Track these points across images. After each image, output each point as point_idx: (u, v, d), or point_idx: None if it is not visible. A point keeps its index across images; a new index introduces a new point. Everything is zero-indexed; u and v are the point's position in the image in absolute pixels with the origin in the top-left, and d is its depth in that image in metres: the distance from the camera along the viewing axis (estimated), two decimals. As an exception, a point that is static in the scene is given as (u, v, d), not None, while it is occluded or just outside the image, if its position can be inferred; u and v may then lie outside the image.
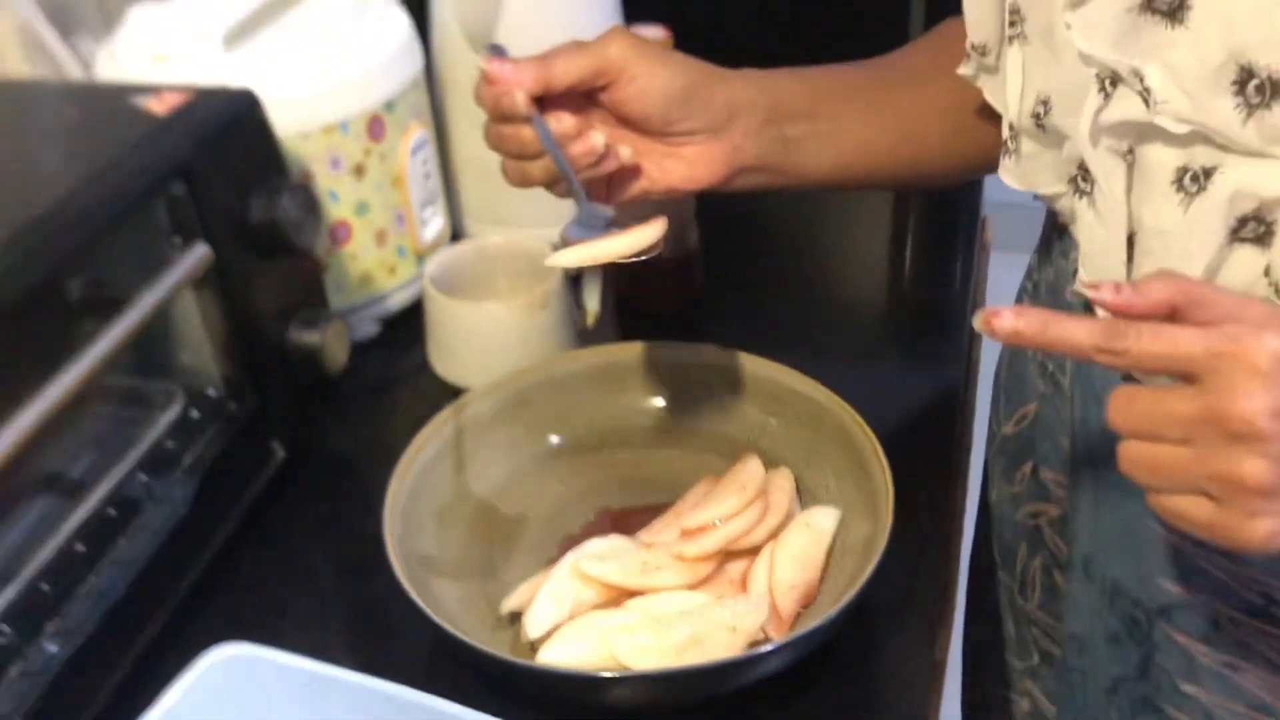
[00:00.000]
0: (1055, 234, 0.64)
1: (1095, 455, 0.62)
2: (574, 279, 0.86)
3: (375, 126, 0.81)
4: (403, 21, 0.85)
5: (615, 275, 0.87)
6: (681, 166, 0.64)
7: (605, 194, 0.64)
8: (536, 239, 0.84)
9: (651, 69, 0.61)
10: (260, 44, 0.80)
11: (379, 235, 0.84)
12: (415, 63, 0.85)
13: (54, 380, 0.53)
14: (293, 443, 0.74)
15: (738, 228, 0.98)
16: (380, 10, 0.84)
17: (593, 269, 0.84)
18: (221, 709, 0.51)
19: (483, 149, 0.81)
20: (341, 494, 0.76)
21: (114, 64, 0.79)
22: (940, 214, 1.04)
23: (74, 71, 0.83)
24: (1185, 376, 0.43)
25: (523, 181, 0.63)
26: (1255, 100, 0.47)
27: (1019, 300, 0.74)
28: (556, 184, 0.62)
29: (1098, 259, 0.56)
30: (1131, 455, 0.45)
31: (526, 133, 0.60)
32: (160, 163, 0.62)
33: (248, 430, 0.70)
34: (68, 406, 0.55)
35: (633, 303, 0.89)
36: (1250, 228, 0.49)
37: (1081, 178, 0.56)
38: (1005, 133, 0.62)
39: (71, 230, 0.56)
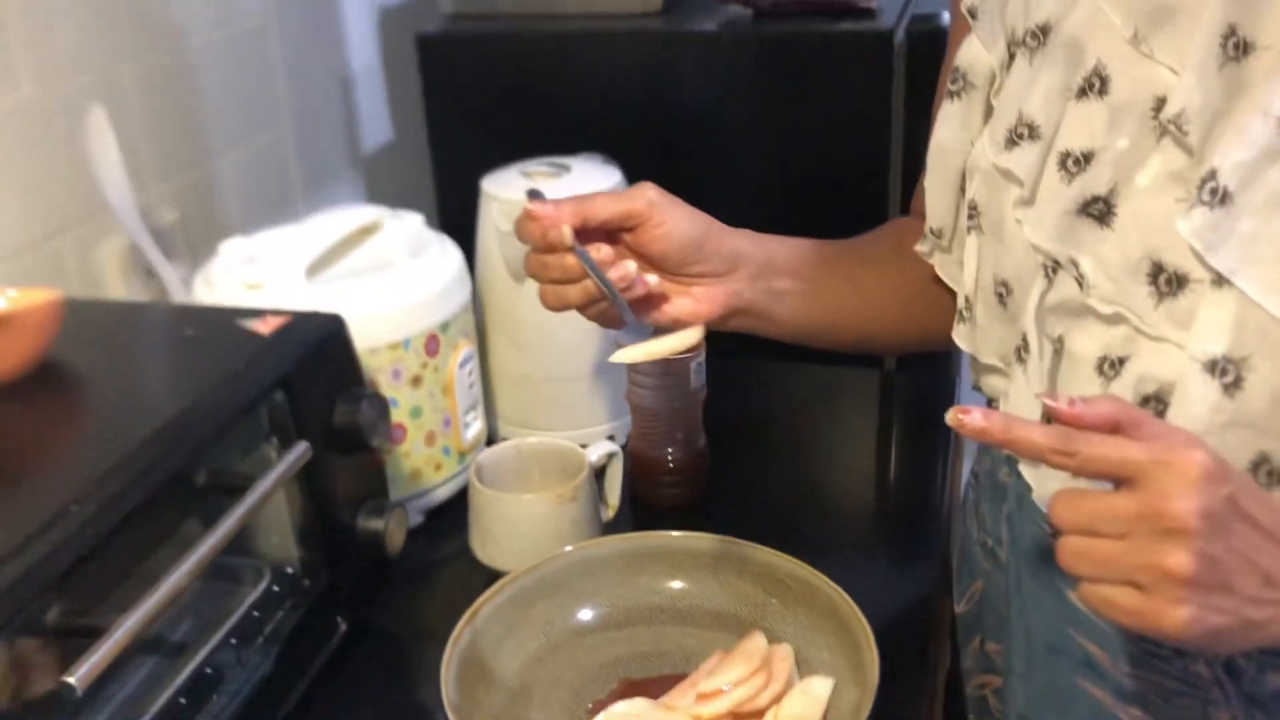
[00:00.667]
0: None
1: (1028, 617, 0.72)
2: (598, 475, 0.97)
3: (432, 344, 0.94)
4: (456, 256, 1.00)
5: (633, 475, 0.99)
6: (688, 303, 0.77)
7: (614, 319, 0.76)
8: (565, 440, 0.96)
9: (675, 217, 0.75)
10: (335, 273, 0.95)
11: (429, 436, 0.97)
12: (465, 290, 0.99)
13: (185, 561, 0.64)
14: (354, 617, 0.84)
15: (741, 434, 1.11)
16: (437, 247, 0.99)
17: (615, 469, 0.97)
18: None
19: (516, 363, 0.96)
20: (391, 666, 0.86)
21: (209, 289, 0.93)
22: (921, 419, 1.18)
23: (178, 293, 0.96)
24: (1125, 480, 0.51)
25: (560, 305, 0.74)
26: (1165, 290, 0.59)
27: (966, 492, 0.86)
28: (591, 305, 0.74)
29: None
30: (1072, 548, 0.51)
31: (570, 260, 0.72)
32: (266, 376, 0.74)
33: (318, 605, 0.81)
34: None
35: (649, 498, 1.01)
36: (1152, 405, 0.60)
37: (1023, 349, 0.68)
38: (961, 303, 0.74)
39: (197, 431, 0.69)
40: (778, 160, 1.24)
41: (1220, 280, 0.58)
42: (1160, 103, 0.60)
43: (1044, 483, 0.68)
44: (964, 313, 0.74)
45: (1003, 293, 0.69)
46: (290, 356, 0.76)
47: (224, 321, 0.80)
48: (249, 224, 1.16)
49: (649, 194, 0.75)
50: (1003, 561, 0.75)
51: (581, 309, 0.75)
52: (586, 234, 0.73)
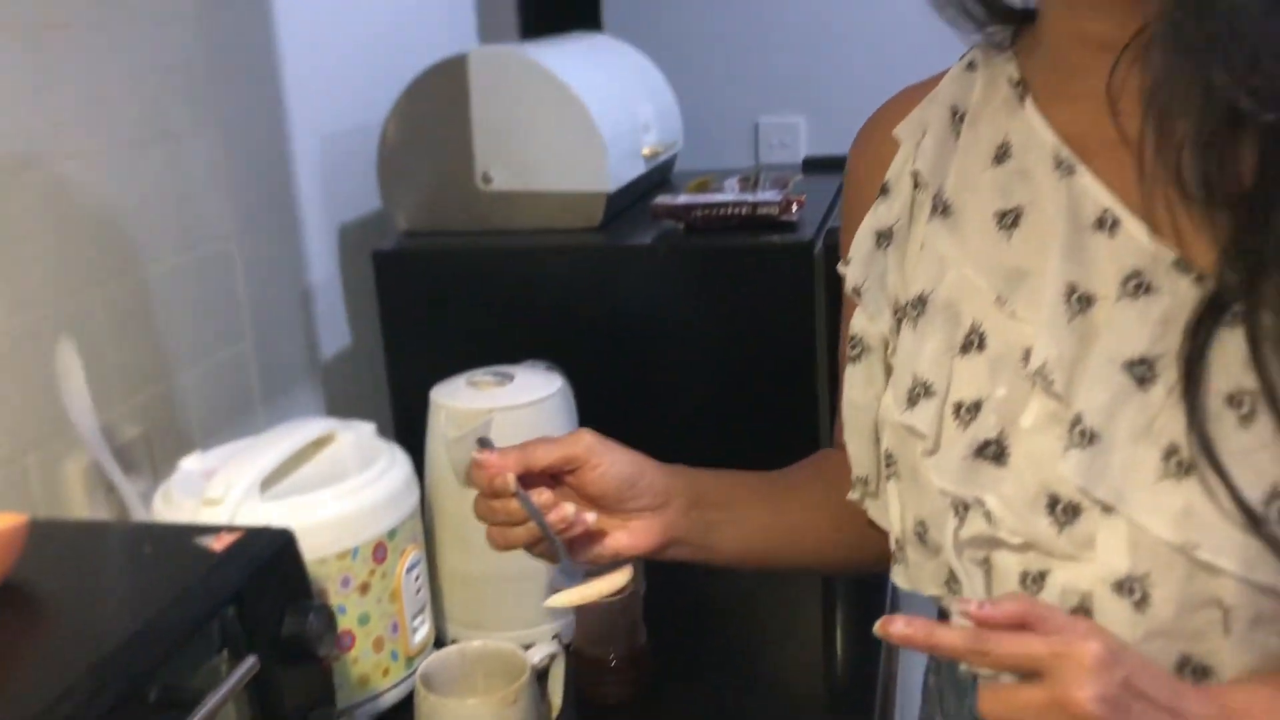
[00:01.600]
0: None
1: None
2: (541, 676, 1.01)
3: (379, 551, 0.99)
4: (404, 464, 1.05)
5: (576, 671, 1.02)
6: (625, 536, 0.83)
7: (569, 555, 0.81)
8: (508, 642, 1.00)
9: (611, 459, 0.82)
10: (289, 486, 1.00)
11: (377, 642, 1.00)
12: (413, 496, 1.04)
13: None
14: (300, 828, 0.86)
15: (683, 624, 1.15)
16: (387, 456, 1.04)
17: (557, 670, 1.00)
18: None
19: (463, 563, 0.99)
20: None
21: (168, 506, 0.97)
22: (860, 610, 1.22)
23: (137, 511, 1.01)
24: (1033, 673, 0.57)
25: (506, 545, 0.81)
26: (1063, 519, 0.65)
27: (925, 684, 0.90)
28: (535, 545, 0.81)
29: None
30: None
31: (513, 505, 0.79)
32: (220, 591, 0.78)
33: (264, 817, 0.82)
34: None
35: (593, 696, 1.03)
36: (1080, 613, 0.65)
37: (952, 580, 0.73)
38: (893, 545, 0.79)
39: (151, 648, 0.72)
40: (712, 360, 1.32)
41: (1107, 508, 0.64)
42: (1027, 354, 0.67)
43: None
44: (897, 554, 0.79)
45: (922, 532, 0.75)
46: (242, 572, 0.80)
47: (179, 539, 0.84)
48: (210, 434, 1.21)
49: (586, 439, 0.82)
50: None
51: (527, 548, 0.82)
52: (531, 478, 0.81)
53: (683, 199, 1.36)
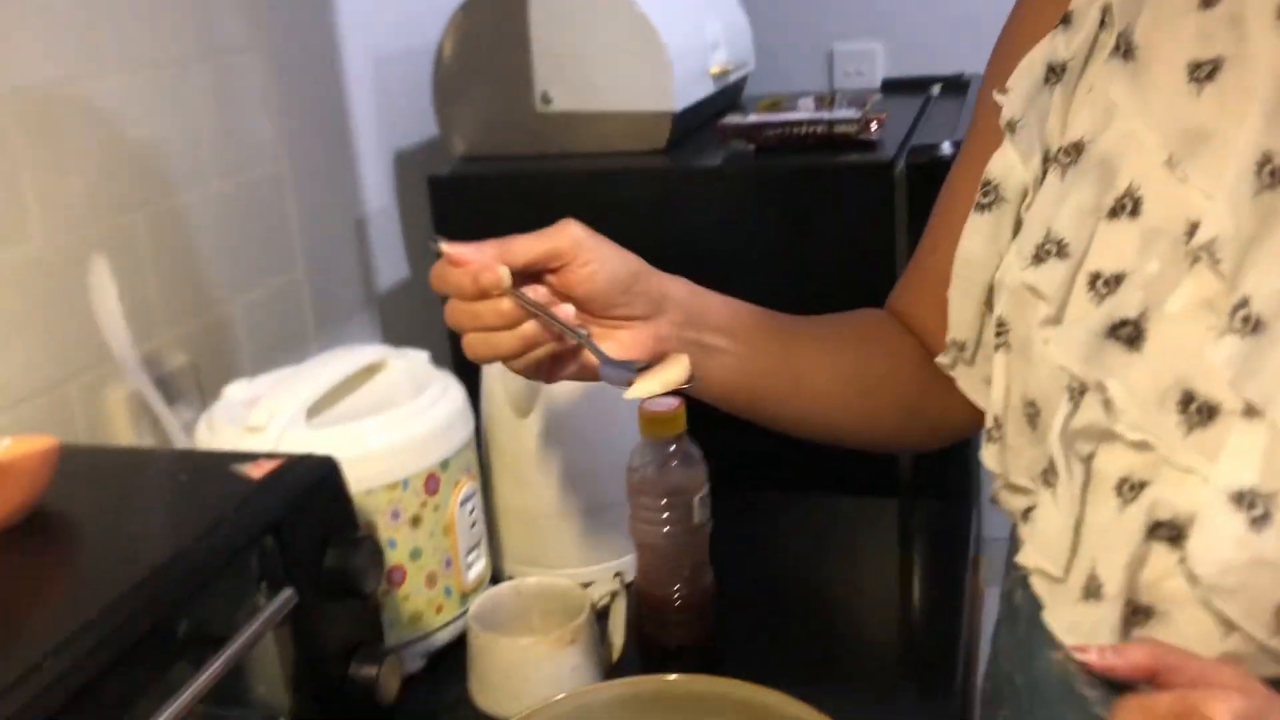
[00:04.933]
0: (1010, 542, 0.73)
1: None
2: (601, 615, 0.95)
3: (431, 483, 0.93)
4: (458, 393, 0.99)
5: (637, 613, 0.97)
6: (612, 348, 0.73)
7: (547, 374, 0.72)
8: (568, 579, 0.94)
9: (602, 256, 0.72)
10: (337, 413, 0.95)
11: (430, 578, 0.95)
12: (467, 427, 0.99)
13: (162, 712, 0.63)
14: (347, 770, 0.82)
15: (752, 569, 1.09)
16: (439, 384, 0.99)
17: (619, 609, 0.95)
18: None
19: (523, 498, 0.93)
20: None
21: (211, 433, 0.93)
22: (941, 555, 1.14)
23: (178, 439, 0.97)
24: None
25: (491, 354, 0.70)
26: (1195, 419, 0.57)
27: (997, 629, 0.83)
28: (525, 354, 0.69)
29: (1049, 545, 0.64)
30: None
31: (505, 305, 0.67)
32: (256, 520, 0.73)
33: (308, 757, 0.78)
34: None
35: (653, 638, 0.98)
36: (1164, 530, 0.58)
37: (1050, 472, 0.65)
38: (989, 422, 0.71)
39: (185, 578, 0.68)
40: (783, 289, 1.23)
41: (1251, 411, 0.56)
42: (1193, 227, 0.59)
43: (1056, 603, 0.66)
44: (992, 432, 0.71)
45: (1032, 413, 0.67)
46: (281, 501, 0.76)
47: (217, 466, 0.80)
48: (262, 365, 1.17)
49: (573, 230, 0.71)
50: (1018, 687, 0.72)
51: (512, 358, 0.71)
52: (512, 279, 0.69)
53: (753, 118, 1.27)
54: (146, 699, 0.64)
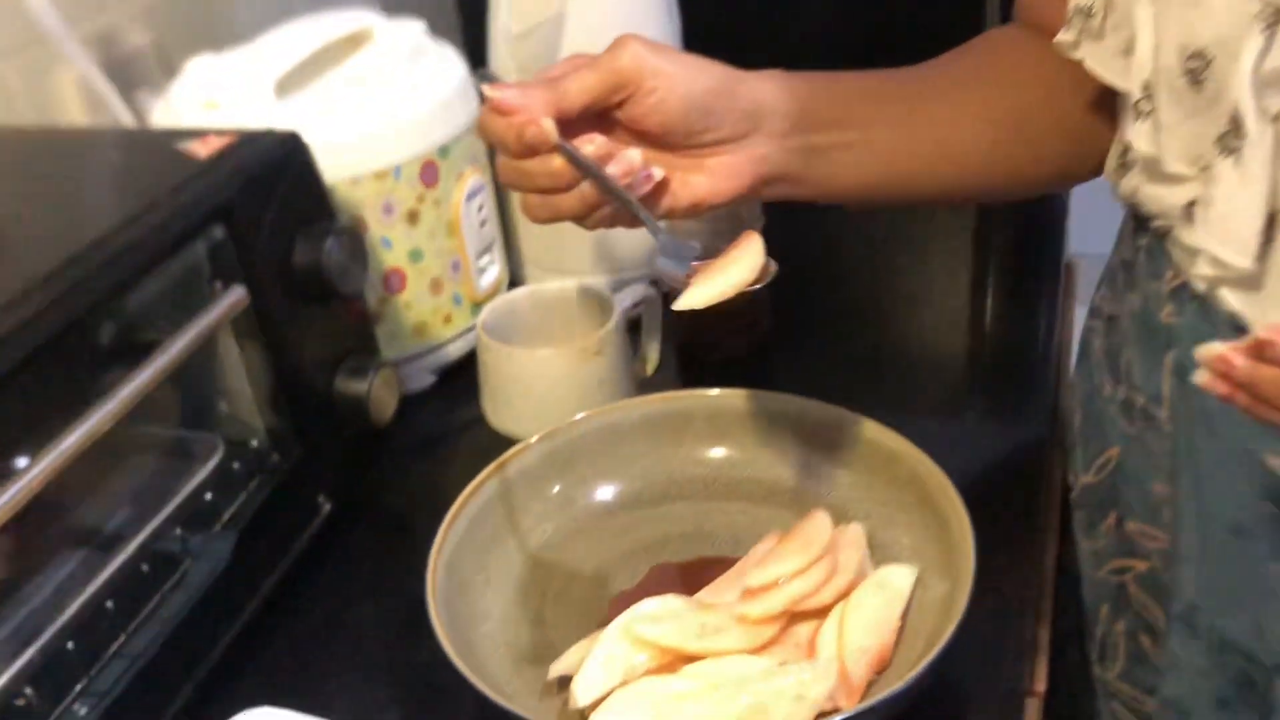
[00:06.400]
0: (1144, 255, 0.59)
1: (1204, 491, 0.56)
2: (633, 325, 0.82)
3: (428, 172, 0.79)
4: (458, 67, 0.83)
5: (676, 320, 0.84)
6: (705, 181, 0.59)
7: (630, 224, 0.60)
8: (593, 283, 0.81)
9: (670, 77, 0.57)
10: (313, 90, 0.79)
11: (434, 283, 0.82)
12: (470, 108, 0.83)
13: (81, 422, 0.51)
14: (340, 497, 0.71)
15: (808, 268, 0.94)
16: (435, 56, 0.83)
17: (653, 316, 0.82)
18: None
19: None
20: (392, 551, 0.73)
21: (168, 113, 0.78)
22: (1023, 256, 0.99)
23: (129, 121, 0.82)
24: None
25: (552, 216, 0.59)
26: None
27: (1087, 338, 0.69)
28: (592, 213, 0.58)
29: (1231, 225, 0.50)
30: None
31: (556, 163, 0.56)
32: (199, 205, 0.60)
33: (292, 483, 0.68)
34: (99, 454, 0.53)
35: (695, 349, 0.85)
36: None
37: (1234, 134, 0.50)
38: (1136, 95, 0.56)
39: (106, 270, 0.55)
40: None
41: None
42: None
43: (1268, 312, 0.52)
44: (1141, 105, 0.56)
45: (1197, 66, 0.51)
46: (231, 182, 0.62)
47: (160, 146, 0.66)
48: (237, 44, 1.01)
49: (632, 48, 0.57)
50: (1159, 423, 0.59)
51: (579, 219, 0.59)
52: (568, 125, 0.56)
53: None
54: (60, 413, 0.52)
